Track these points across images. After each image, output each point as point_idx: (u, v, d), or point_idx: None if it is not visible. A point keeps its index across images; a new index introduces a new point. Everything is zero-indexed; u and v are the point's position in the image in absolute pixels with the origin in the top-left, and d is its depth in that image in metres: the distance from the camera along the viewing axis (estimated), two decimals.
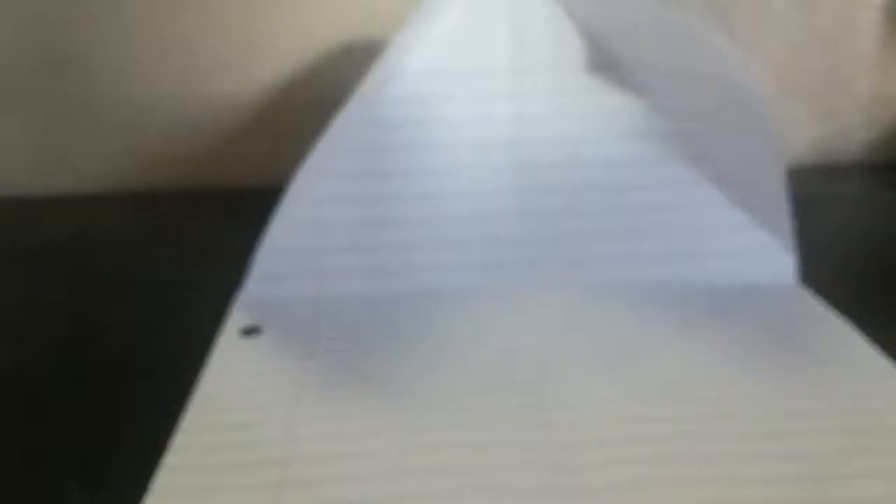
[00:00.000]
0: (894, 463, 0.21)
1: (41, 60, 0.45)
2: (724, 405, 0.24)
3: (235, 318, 0.30)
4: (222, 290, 0.31)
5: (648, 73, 0.31)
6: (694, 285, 0.31)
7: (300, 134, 0.45)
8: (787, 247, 0.32)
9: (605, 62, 0.32)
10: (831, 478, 0.21)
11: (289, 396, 0.25)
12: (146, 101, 0.46)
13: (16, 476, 0.22)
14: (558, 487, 0.21)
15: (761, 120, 0.29)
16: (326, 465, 0.22)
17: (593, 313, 0.30)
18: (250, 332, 0.29)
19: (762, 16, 0.46)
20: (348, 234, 0.31)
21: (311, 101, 0.45)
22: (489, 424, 0.23)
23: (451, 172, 0.32)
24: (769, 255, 0.32)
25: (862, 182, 0.46)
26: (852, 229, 0.39)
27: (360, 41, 0.45)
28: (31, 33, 0.44)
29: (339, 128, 0.29)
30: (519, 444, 0.22)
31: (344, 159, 0.31)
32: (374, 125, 0.31)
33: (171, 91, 0.46)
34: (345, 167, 0.31)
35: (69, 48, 0.44)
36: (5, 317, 0.32)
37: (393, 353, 0.27)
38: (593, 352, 0.27)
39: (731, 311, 0.30)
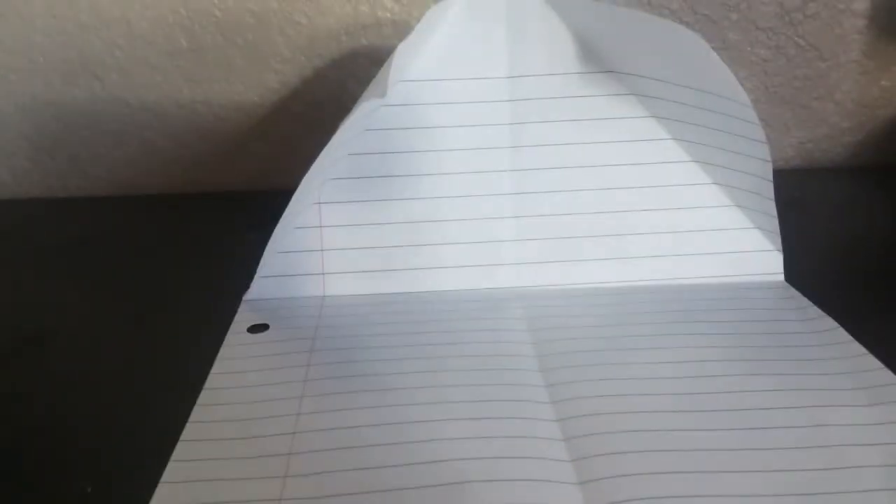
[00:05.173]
0: (885, 453, 0.22)
1: (54, 68, 0.45)
2: (720, 398, 0.24)
3: (243, 317, 0.30)
4: (231, 289, 0.32)
5: (641, 78, 0.32)
6: (686, 283, 0.32)
7: (305, 139, 0.47)
8: (775, 246, 0.32)
9: (600, 67, 0.32)
10: (831, 469, 0.21)
11: (294, 391, 0.25)
12: (155, 106, 0.46)
13: (34, 468, 0.22)
14: (559, 479, 0.21)
15: (750, 125, 0.30)
16: (330, 458, 0.22)
17: (588, 311, 0.30)
18: (257, 329, 0.29)
19: (751, 24, 0.47)
20: (351, 236, 0.32)
21: (317, 107, 0.46)
22: (489, 419, 0.24)
23: (451, 175, 0.32)
24: (758, 255, 0.32)
25: (846, 184, 0.47)
26: (837, 229, 0.39)
27: (365, 49, 0.45)
28: (45, 41, 0.45)
29: (343, 133, 0.29)
30: (519, 437, 0.23)
31: (347, 164, 0.32)
32: (376, 130, 0.32)
33: (179, 97, 0.46)
34: (348, 171, 0.32)
35: (81, 56, 0.45)
36: (19, 314, 0.32)
37: (394, 351, 0.27)
38: (590, 349, 0.27)
39: (721, 308, 0.30)
